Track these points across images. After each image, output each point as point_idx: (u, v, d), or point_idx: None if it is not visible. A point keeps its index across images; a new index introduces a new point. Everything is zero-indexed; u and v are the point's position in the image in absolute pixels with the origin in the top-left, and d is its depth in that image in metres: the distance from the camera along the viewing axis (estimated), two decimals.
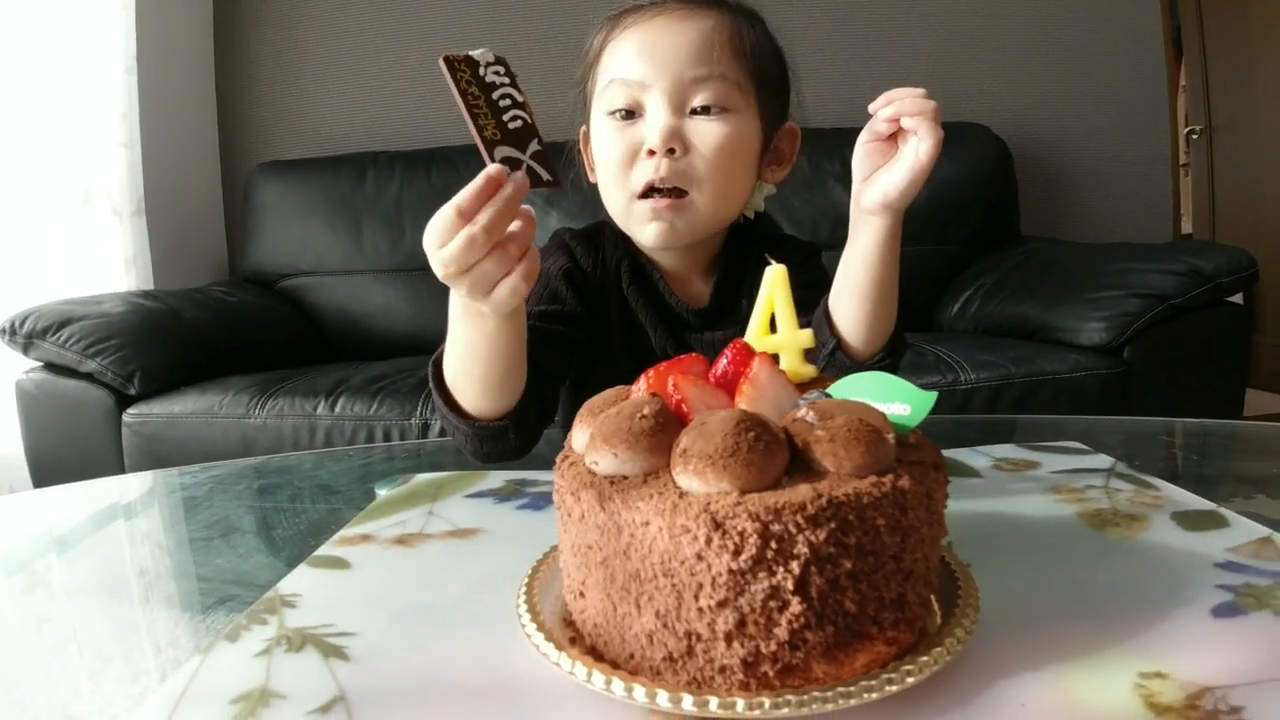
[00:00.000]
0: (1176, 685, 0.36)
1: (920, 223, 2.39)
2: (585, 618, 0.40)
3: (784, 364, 0.46)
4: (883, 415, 0.39)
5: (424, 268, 2.38)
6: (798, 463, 0.37)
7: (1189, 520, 0.57)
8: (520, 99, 0.56)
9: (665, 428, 0.38)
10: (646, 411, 0.38)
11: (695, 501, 0.35)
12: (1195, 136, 3.95)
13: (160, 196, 2.44)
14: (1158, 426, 0.90)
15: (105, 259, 2.27)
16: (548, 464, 0.78)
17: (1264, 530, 0.53)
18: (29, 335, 1.84)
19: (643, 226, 0.81)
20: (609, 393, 0.44)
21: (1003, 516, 0.60)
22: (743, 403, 0.41)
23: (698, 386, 0.41)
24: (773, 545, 0.34)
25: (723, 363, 0.44)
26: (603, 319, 0.87)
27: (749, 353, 0.44)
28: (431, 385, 0.72)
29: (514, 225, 0.56)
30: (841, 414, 0.37)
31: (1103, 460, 0.73)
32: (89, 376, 1.86)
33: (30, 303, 1.93)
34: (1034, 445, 0.78)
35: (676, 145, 0.77)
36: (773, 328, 0.48)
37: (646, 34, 0.79)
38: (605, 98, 0.80)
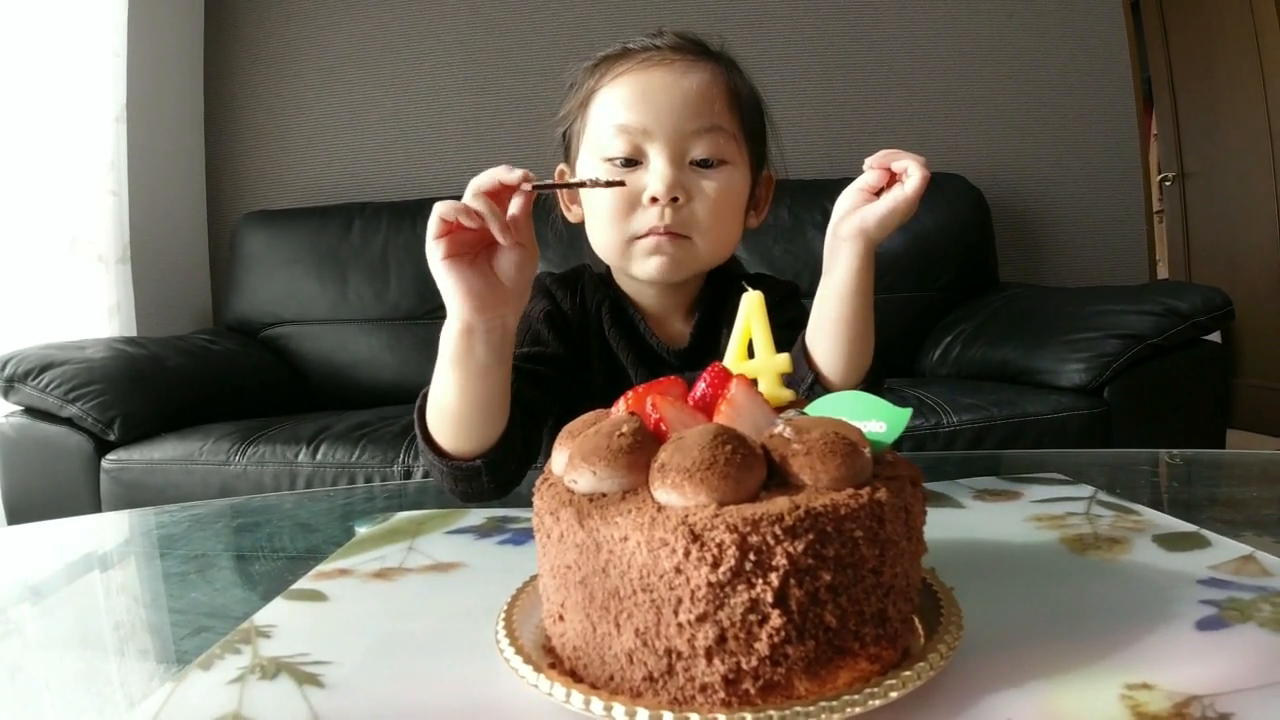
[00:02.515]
0: (1163, 695, 0.36)
1: (900, 270, 2.42)
2: (564, 641, 0.40)
3: (762, 388, 0.47)
4: (859, 430, 0.39)
5: (408, 318, 2.43)
6: (775, 477, 0.37)
7: (1170, 541, 0.57)
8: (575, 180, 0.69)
9: (643, 445, 0.38)
10: (625, 430, 0.38)
11: (673, 514, 0.34)
12: (1168, 183, 4.04)
13: (146, 244, 2.44)
14: (1138, 458, 0.90)
15: (89, 305, 2.27)
16: (529, 502, 0.77)
17: (1245, 548, 0.53)
18: (9, 379, 1.83)
19: (643, 260, 0.82)
20: (588, 415, 0.45)
21: (984, 544, 0.60)
22: (721, 422, 0.41)
23: (676, 407, 0.41)
24: (751, 557, 0.34)
25: (701, 385, 0.45)
26: (584, 360, 0.88)
27: (726, 375, 0.44)
28: (415, 419, 0.73)
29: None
30: (817, 429, 0.37)
31: (1084, 489, 0.73)
32: (69, 421, 1.84)
33: (12, 347, 1.92)
34: (1015, 477, 0.78)
35: (680, 194, 0.79)
36: (751, 355, 0.49)
37: (646, 82, 0.80)
38: (601, 143, 0.81)
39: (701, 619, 0.34)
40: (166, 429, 1.88)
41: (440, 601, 0.54)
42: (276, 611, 0.53)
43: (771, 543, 0.34)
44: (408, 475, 1.73)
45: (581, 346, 0.88)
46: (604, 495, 0.38)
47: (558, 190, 0.92)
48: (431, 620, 0.51)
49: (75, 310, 2.25)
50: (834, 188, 0.72)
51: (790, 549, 0.34)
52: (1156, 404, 1.83)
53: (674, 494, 0.35)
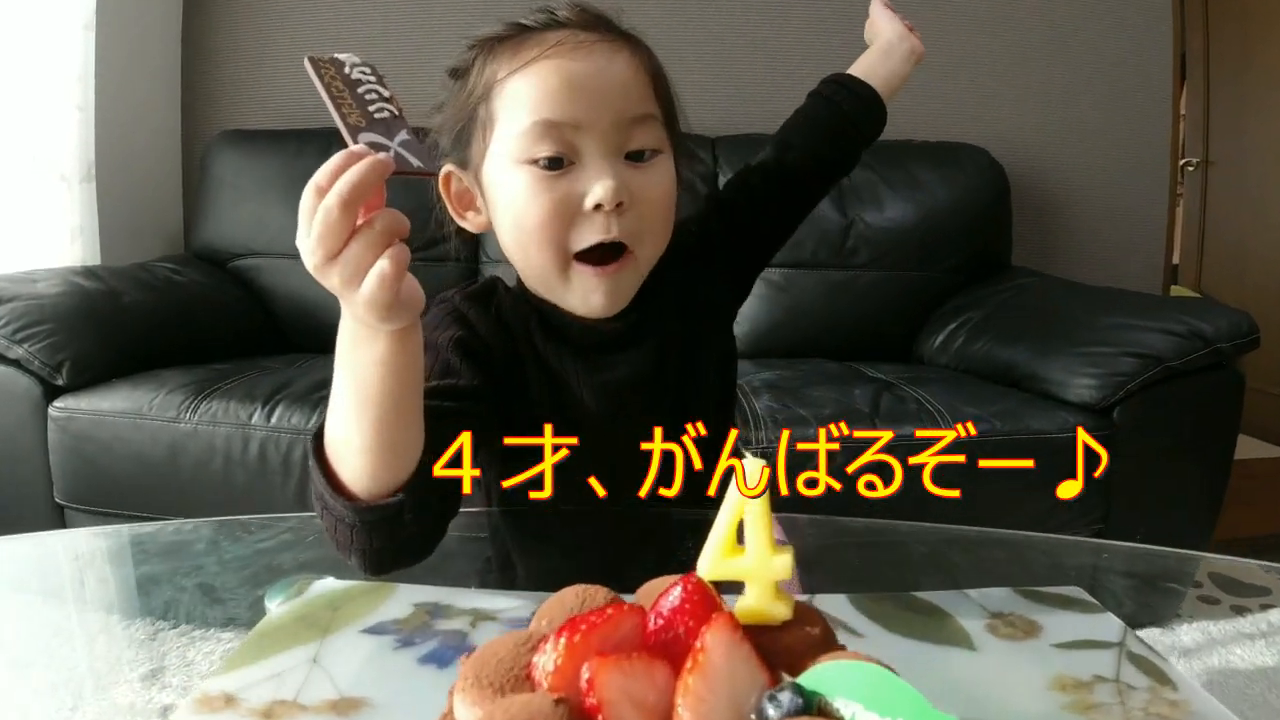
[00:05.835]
0: None
1: (908, 247, 2.29)
2: None
3: (750, 598, 0.36)
4: None
5: None
6: None
7: None
8: (387, 95, 0.55)
9: None
10: None
11: None
12: (1191, 169, 3.88)
13: (113, 163, 2.28)
14: (1168, 566, 0.81)
15: (50, 228, 2.13)
16: (462, 580, 0.67)
17: None
18: None
19: (585, 296, 0.73)
20: (504, 651, 0.33)
21: None
22: (687, 699, 0.30)
23: (625, 675, 0.30)
24: None
25: (668, 602, 0.34)
26: (516, 380, 0.77)
27: (706, 602, 0.33)
28: (312, 461, 0.61)
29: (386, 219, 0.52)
30: None
31: (1111, 627, 0.63)
32: (16, 363, 1.71)
33: None
34: (1031, 593, 0.68)
35: (625, 198, 0.69)
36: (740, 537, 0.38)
37: (570, 68, 0.70)
38: (522, 142, 0.70)
39: None
40: (119, 373, 1.77)
41: None
42: None
43: None
44: None
45: (510, 367, 0.77)
46: None
47: (444, 195, 0.79)
48: None
49: (35, 232, 2.11)
50: None
51: None
52: (1166, 429, 1.73)
53: None
